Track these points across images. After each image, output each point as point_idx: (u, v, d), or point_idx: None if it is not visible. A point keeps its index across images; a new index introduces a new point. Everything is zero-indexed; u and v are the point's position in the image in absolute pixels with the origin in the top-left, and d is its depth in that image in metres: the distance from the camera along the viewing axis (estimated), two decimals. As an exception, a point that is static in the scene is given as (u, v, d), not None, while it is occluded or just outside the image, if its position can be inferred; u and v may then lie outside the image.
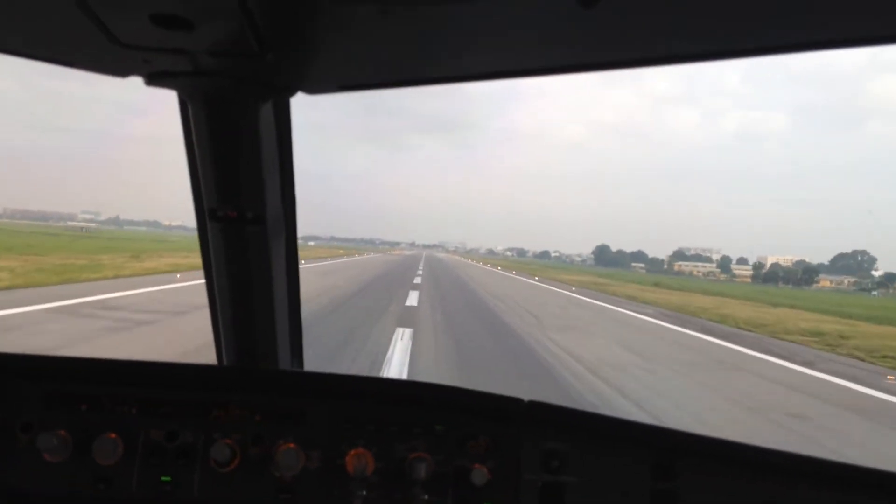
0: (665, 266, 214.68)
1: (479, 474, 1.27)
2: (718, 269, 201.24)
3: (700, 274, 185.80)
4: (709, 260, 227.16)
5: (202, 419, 1.31)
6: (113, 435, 1.26)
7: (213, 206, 1.26)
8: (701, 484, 1.28)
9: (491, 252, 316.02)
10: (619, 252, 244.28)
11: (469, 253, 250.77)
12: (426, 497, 1.28)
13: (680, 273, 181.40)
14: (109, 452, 1.24)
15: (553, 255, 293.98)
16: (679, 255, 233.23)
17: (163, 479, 1.27)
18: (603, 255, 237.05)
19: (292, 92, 1.18)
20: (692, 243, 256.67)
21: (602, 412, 1.37)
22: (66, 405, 1.30)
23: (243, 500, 1.28)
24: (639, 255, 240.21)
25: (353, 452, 1.28)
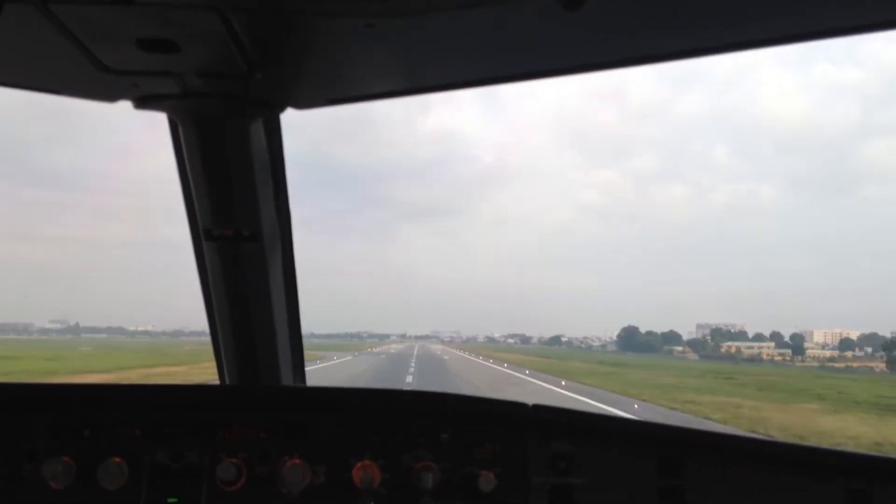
0: (710, 346, 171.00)
1: (487, 480, 1.26)
2: (790, 350, 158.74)
3: (770, 357, 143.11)
4: (761, 338, 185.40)
5: (207, 439, 1.28)
6: (118, 459, 1.23)
7: (209, 227, 1.24)
8: (707, 478, 1.27)
9: (490, 339, 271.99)
10: (650, 334, 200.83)
11: (466, 342, 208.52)
12: None
13: (751, 360, 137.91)
14: (115, 477, 1.22)
15: (563, 340, 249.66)
16: (721, 333, 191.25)
17: (169, 500, 1.25)
18: (631, 339, 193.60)
19: (282, 108, 1.16)
20: (712, 319, 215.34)
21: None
22: (70, 432, 1.26)
23: None
24: (673, 337, 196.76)
25: (359, 465, 1.26)
